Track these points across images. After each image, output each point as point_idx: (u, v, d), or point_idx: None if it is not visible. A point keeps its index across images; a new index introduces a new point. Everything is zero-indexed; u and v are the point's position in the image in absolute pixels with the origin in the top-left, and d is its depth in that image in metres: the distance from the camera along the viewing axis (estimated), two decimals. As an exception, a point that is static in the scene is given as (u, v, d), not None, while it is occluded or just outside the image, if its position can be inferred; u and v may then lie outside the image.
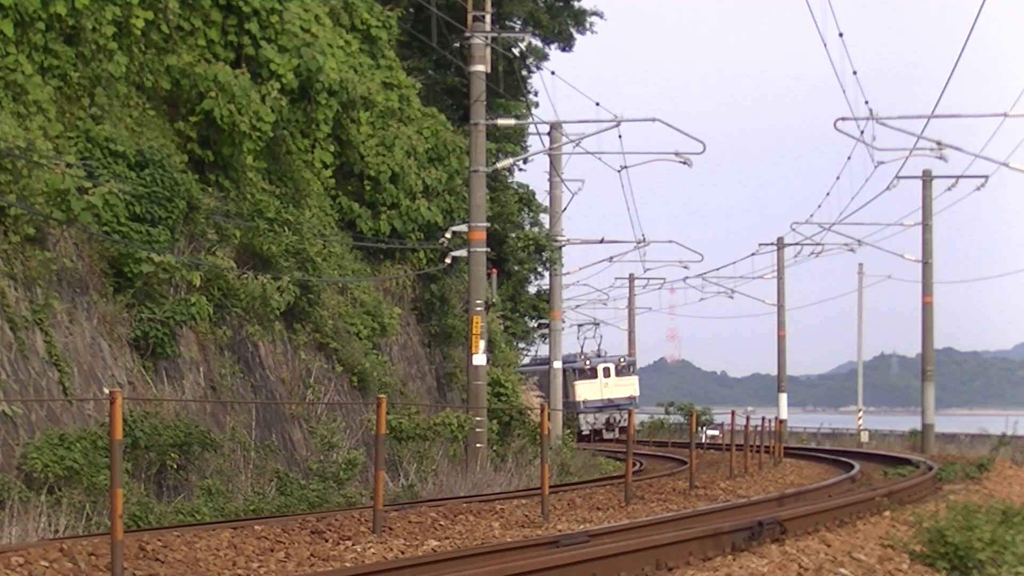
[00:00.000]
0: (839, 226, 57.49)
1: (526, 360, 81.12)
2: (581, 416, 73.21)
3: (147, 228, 26.26)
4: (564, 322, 62.97)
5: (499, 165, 44.87)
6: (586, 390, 74.61)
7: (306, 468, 29.31)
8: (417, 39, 46.49)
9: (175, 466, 24.90)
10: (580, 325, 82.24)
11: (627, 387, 75.52)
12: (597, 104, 49.53)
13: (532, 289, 63.75)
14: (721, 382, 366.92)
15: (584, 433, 71.66)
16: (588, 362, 75.42)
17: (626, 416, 68.24)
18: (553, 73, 61.80)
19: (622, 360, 77.23)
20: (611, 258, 67.06)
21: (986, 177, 50.85)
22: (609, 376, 75.21)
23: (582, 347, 79.52)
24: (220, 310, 29.45)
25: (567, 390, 72.14)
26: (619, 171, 45.91)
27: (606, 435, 73.95)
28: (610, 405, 74.47)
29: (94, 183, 24.96)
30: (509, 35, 43.26)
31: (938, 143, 44.14)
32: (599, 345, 79.78)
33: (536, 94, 62.70)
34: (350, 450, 29.59)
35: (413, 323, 43.23)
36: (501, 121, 44.23)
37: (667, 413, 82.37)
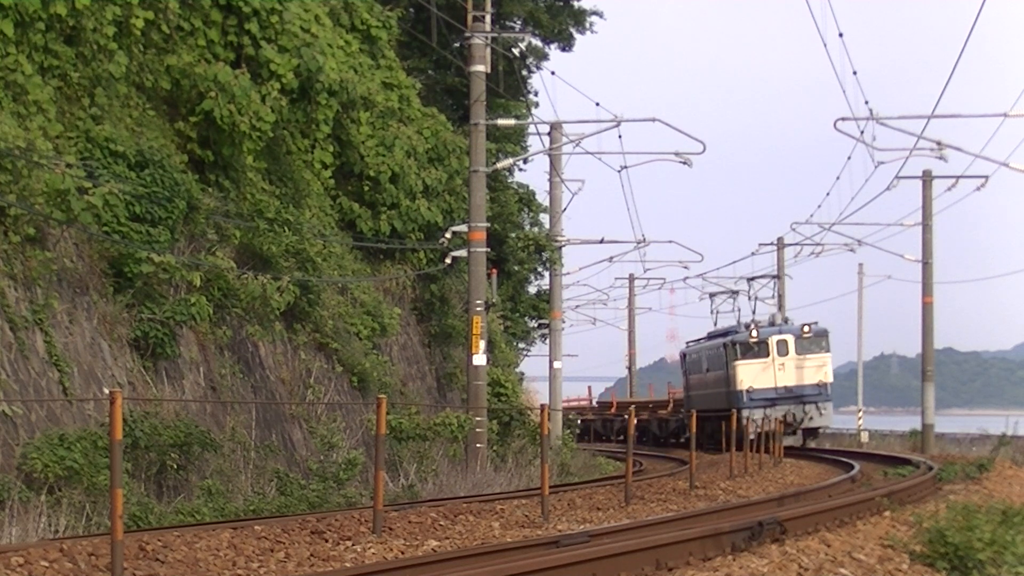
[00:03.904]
0: (839, 226, 57.10)
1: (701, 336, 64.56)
2: (745, 412, 49.62)
3: (147, 228, 26.25)
4: (564, 322, 62.23)
5: (499, 165, 44.85)
6: (752, 374, 53.08)
7: (306, 468, 29.30)
8: (417, 39, 46.50)
9: (175, 466, 24.89)
10: (750, 279, 59.94)
11: (815, 369, 53.57)
12: (597, 104, 49.82)
13: (532, 289, 63.58)
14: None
15: (750, 437, 45.24)
16: (755, 332, 53.64)
17: (812, 413, 52.82)
18: (553, 73, 61.83)
19: (806, 329, 53.82)
20: (611, 258, 63.61)
21: (986, 177, 50.83)
22: (786, 353, 53.33)
23: (753, 312, 58.26)
24: (220, 310, 29.44)
25: (726, 374, 55.06)
26: (619, 171, 45.77)
27: (786, 440, 49.83)
28: (788, 396, 52.81)
29: (94, 183, 24.95)
30: (509, 35, 43.29)
31: (938, 143, 44.15)
32: (779, 309, 58.49)
33: (536, 94, 62.73)
34: (350, 450, 29.57)
35: (413, 323, 43.23)
36: (501, 121, 44.24)
37: None
